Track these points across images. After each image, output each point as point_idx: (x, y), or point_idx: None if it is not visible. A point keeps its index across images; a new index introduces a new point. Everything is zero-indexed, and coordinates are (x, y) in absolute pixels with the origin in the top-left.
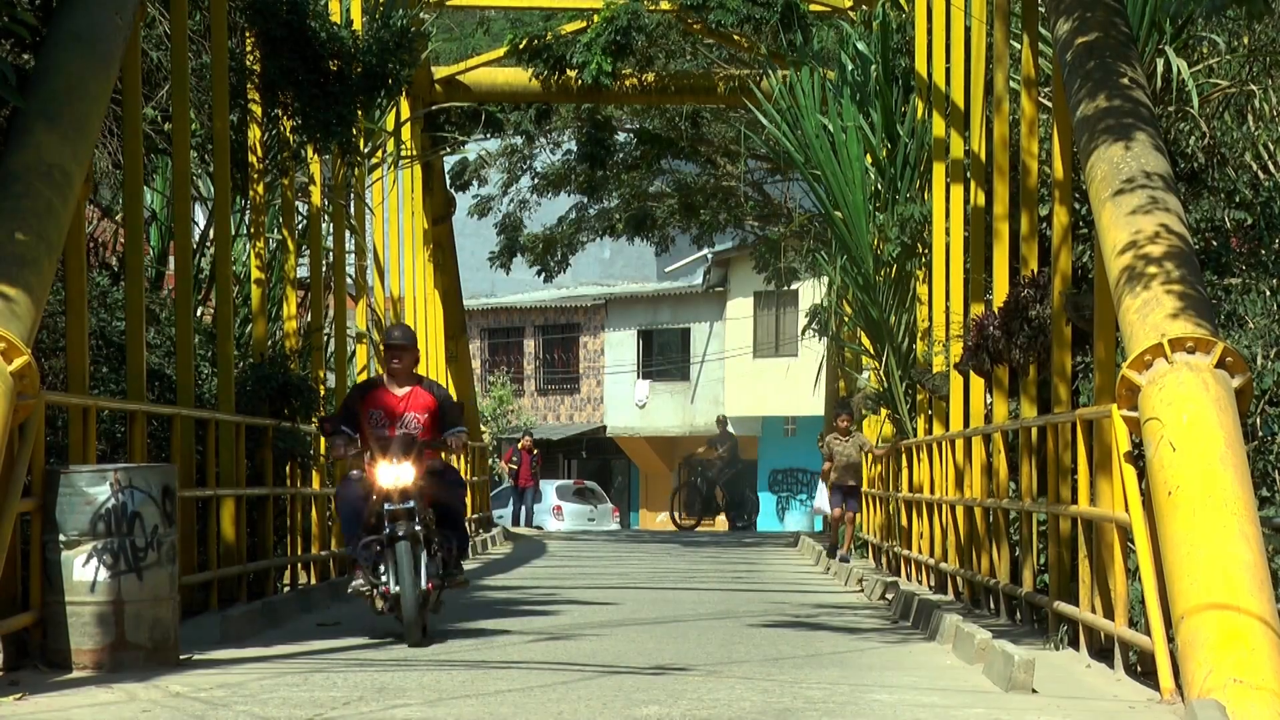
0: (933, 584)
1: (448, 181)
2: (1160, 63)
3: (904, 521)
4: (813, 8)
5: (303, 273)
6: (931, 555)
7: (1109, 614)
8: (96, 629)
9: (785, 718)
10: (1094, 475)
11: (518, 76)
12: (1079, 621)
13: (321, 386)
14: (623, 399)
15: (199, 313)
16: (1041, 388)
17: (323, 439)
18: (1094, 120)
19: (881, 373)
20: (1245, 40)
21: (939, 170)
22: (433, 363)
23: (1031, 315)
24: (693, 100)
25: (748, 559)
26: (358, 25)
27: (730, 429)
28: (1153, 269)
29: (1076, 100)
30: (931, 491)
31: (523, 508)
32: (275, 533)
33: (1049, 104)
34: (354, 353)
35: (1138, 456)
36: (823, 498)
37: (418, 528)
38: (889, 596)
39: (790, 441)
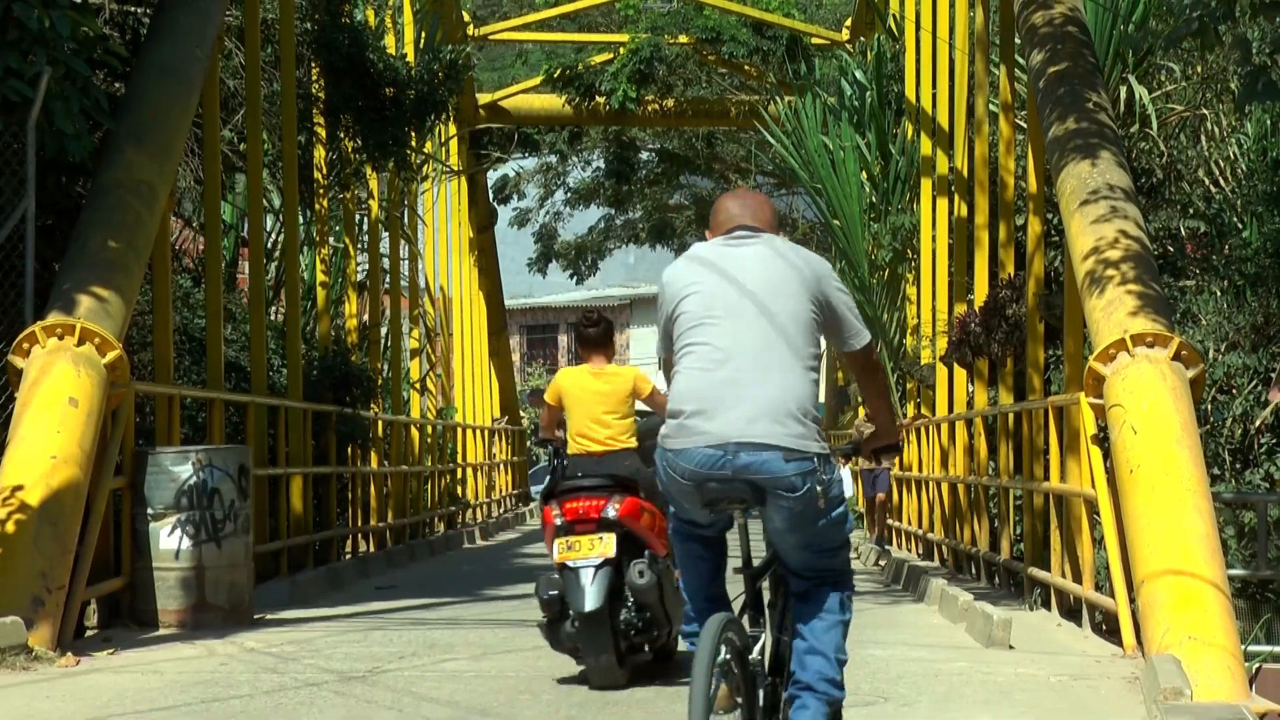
0: (920, 552)
1: (491, 195)
2: (1124, 89)
3: (895, 496)
4: (814, 41)
5: (362, 276)
6: (919, 526)
7: (1077, 579)
8: (180, 592)
9: None
10: (1064, 455)
11: (552, 102)
12: (1051, 585)
13: (379, 377)
14: None
15: (271, 311)
16: (1017, 378)
17: (379, 423)
18: (1064, 140)
19: None
20: (1199, 69)
21: (926, 185)
22: (477, 356)
23: (1009, 314)
24: (708, 123)
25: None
26: (411, 57)
27: None
28: (1115, 272)
29: (1048, 122)
30: (919, 470)
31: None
32: (338, 506)
33: (1024, 126)
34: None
35: (1103, 439)
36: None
37: None
38: (882, 563)
39: None
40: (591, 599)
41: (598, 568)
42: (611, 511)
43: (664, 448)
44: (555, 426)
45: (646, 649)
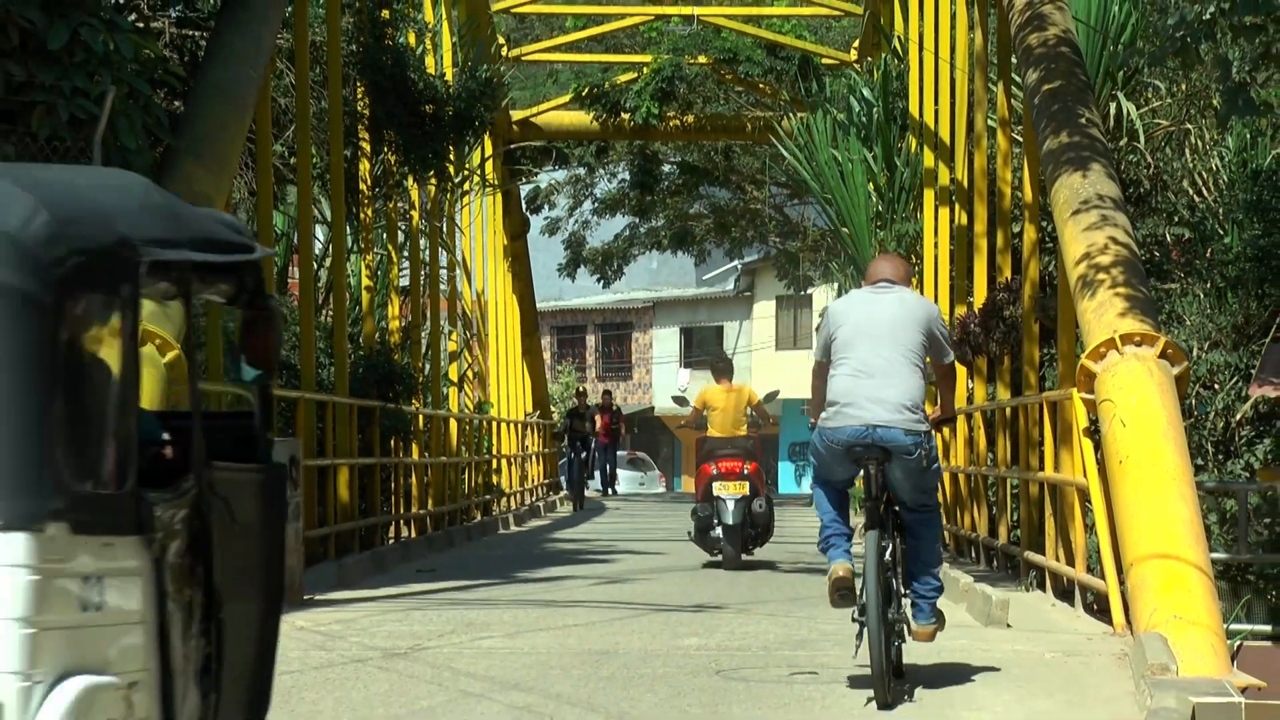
0: None
1: (523, 205)
2: (1113, 105)
3: None
4: (825, 61)
5: (404, 281)
6: None
7: (1070, 562)
8: None
9: (802, 647)
10: (1058, 447)
11: (581, 118)
12: (1045, 568)
13: (420, 375)
14: (667, 384)
15: (320, 314)
16: (1014, 375)
17: (420, 417)
18: (1058, 153)
19: None
20: (1183, 86)
21: (929, 195)
22: (511, 355)
23: (1006, 315)
24: (726, 137)
25: None
26: (449, 76)
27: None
28: (1106, 276)
29: (1043, 137)
30: None
31: (606, 465)
32: (382, 495)
33: (1020, 140)
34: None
35: (1094, 432)
36: None
37: None
38: None
39: (805, 419)
40: (734, 517)
41: (737, 500)
42: (746, 469)
43: (824, 427)
44: (695, 422)
45: (755, 550)
